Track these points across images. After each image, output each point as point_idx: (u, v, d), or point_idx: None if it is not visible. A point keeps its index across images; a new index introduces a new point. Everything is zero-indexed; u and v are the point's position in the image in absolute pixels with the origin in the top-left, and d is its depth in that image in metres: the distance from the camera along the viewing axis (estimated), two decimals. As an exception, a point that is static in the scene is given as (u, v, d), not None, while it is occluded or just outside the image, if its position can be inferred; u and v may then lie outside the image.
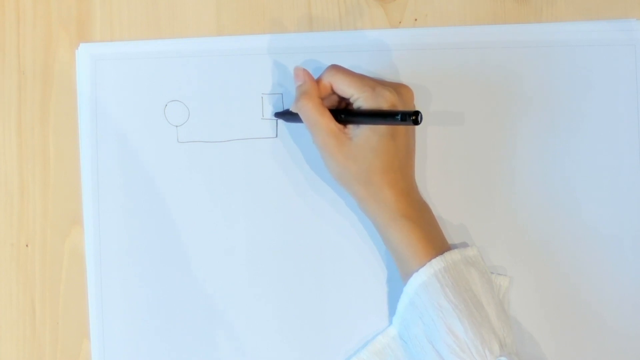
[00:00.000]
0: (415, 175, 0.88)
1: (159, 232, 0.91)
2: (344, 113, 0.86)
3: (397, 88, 0.86)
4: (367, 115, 0.84)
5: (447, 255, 0.84)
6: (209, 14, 0.93)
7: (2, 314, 0.92)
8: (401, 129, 0.85)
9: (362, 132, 0.84)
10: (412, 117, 0.80)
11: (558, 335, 0.90)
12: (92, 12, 0.93)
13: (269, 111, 0.92)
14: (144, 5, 0.93)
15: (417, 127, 0.86)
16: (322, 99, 0.87)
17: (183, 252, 0.91)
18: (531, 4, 0.92)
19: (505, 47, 0.91)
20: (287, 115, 0.90)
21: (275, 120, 0.92)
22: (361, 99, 0.85)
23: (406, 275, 0.84)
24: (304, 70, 0.87)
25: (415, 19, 0.92)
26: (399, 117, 0.81)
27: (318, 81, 0.87)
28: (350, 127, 0.85)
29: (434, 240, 0.85)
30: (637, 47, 0.91)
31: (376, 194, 0.84)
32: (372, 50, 0.91)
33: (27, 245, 0.92)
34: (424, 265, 0.83)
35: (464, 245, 0.90)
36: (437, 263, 0.83)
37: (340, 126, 0.85)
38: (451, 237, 0.90)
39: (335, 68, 0.87)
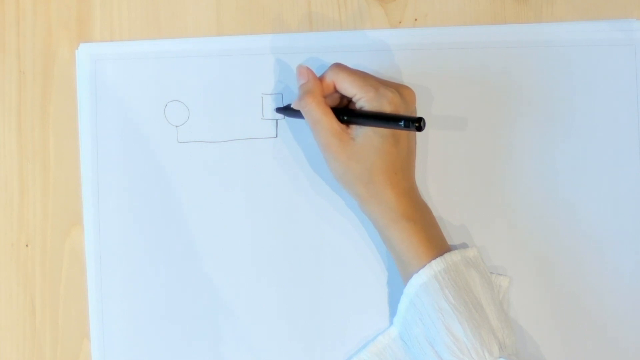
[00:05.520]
0: (416, 175, 0.88)
1: (159, 232, 0.91)
2: (347, 114, 0.85)
3: (399, 89, 0.86)
4: (370, 117, 0.84)
5: (447, 257, 0.84)
6: (209, 14, 0.93)
7: (2, 314, 0.92)
8: (403, 130, 0.85)
9: (364, 133, 0.84)
10: (416, 124, 0.80)
11: (558, 336, 0.90)
12: (92, 12, 0.93)
13: (269, 111, 0.92)
14: (144, 5, 0.93)
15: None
16: (325, 97, 0.87)
17: (183, 252, 0.91)
18: (531, 4, 0.92)
19: (505, 47, 0.91)
20: (288, 110, 0.90)
21: (275, 120, 0.91)
22: (364, 100, 0.85)
23: (406, 276, 0.84)
24: (308, 68, 0.87)
25: (415, 19, 0.92)
26: (402, 123, 0.81)
27: (321, 79, 0.87)
28: (353, 127, 0.85)
29: (435, 241, 0.85)
30: (637, 47, 0.91)
31: (378, 195, 0.84)
32: (372, 50, 0.91)
33: (27, 245, 0.92)
34: (424, 266, 0.83)
35: (464, 246, 0.90)
36: (437, 264, 0.83)
37: (342, 126, 0.85)
38: (451, 237, 0.90)
39: (339, 67, 0.87)
